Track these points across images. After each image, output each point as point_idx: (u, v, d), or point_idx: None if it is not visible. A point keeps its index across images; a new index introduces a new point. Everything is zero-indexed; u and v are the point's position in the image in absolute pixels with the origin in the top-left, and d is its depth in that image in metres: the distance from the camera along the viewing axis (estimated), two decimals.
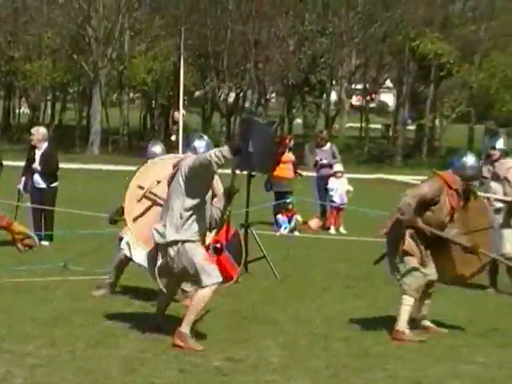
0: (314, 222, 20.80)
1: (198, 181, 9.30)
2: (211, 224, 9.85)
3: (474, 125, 51.80)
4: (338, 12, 47.98)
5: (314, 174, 21.91)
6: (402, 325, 9.80)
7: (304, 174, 22.32)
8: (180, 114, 15.80)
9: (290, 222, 19.78)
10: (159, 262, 9.48)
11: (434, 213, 9.84)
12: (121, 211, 11.67)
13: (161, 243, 9.41)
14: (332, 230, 20.21)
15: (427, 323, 10.34)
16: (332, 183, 20.40)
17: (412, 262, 9.92)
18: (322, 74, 48.09)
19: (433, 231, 9.83)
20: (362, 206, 20.26)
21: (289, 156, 20.67)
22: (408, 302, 9.82)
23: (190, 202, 9.31)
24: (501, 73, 48.72)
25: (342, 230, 20.39)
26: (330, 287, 12.87)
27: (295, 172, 21.01)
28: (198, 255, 9.35)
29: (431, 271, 10.06)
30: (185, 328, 9.05)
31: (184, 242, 9.34)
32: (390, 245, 10.17)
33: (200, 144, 10.02)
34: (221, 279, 9.40)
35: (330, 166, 20.82)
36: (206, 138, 10.42)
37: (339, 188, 20.53)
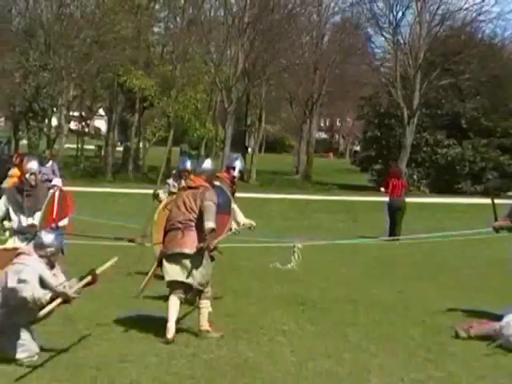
0: None
1: None
2: None
3: (171, 147, 52.46)
4: (58, 51, 47.00)
5: None
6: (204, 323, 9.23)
7: None
8: None
9: None
10: None
11: None
12: None
13: None
14: None
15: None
16: None
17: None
18: (45, 103, 46.96)
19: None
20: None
21: (15, 171, 20.17)
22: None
23: None
24: (192, 105, 49.57)
25: None
26: None
27: None
28: None
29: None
30: None
31: None
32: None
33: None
34: None
35: (50, 180, 20.59)
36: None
37: None
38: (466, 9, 53.18)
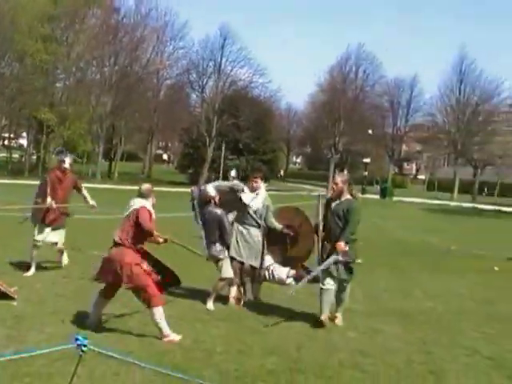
0: None
1: None
2: None
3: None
4: None
5: None
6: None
7: None
8: None
9: None
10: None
11: None
12: None
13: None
14: None
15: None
16: None
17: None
18: None
19: None
20: None
21: None
22: None
23: None
24: (79, 131, 53.22)
25: None
26: None
27: None
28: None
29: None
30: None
31: None
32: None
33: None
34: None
35: None
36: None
37: None
38: (243, 79, 65.59)
